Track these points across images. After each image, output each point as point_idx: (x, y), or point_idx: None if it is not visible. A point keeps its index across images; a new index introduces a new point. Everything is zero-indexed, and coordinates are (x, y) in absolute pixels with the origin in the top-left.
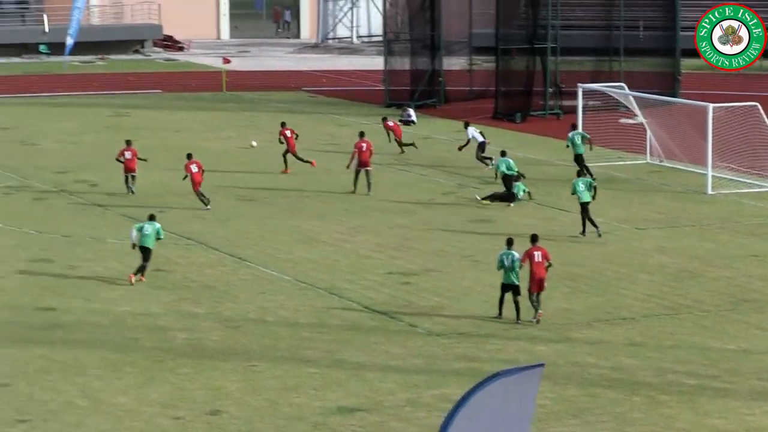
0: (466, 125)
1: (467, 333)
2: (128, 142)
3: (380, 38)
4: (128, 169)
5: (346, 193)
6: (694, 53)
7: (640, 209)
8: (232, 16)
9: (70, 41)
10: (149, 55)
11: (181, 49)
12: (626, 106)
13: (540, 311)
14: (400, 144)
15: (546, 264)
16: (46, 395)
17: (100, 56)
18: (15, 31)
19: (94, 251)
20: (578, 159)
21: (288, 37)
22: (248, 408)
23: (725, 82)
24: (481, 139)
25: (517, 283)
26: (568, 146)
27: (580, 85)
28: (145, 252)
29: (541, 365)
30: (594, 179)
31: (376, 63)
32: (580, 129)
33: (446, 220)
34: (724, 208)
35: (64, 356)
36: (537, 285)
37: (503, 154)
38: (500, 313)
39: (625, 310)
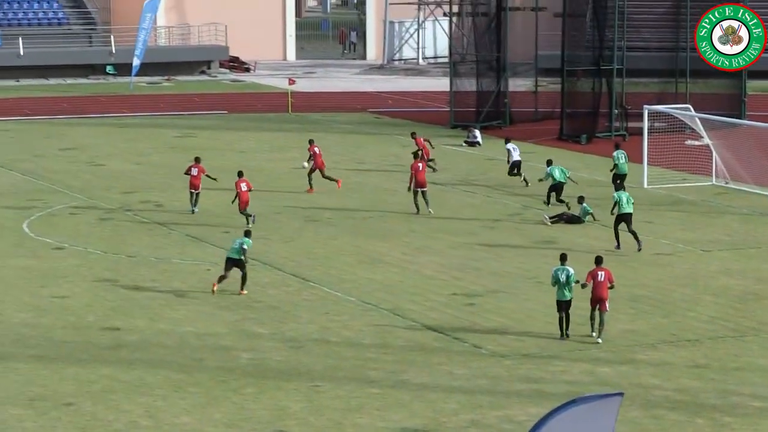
0: (507, 141)
1: (531, 354)
2: (197, 159)
3: (446, 59)
4: (192, 186)
5: (409, 213)
6: (760, 74)
7: (705, 231)
8: (299, 38)
9: (136, 62)
10: (215, 76)
11: (247, 70)
12: (692, 128)
13: (594, 333)
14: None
15: (609, 285)
16: (111, 414)
17: (166, 77)
18: (82, 52)
19: (159, 271)
20: (619, 177)
21: (354, 58)
22: (311, 428)
23: None
24: (516, 157)
25: (570, 298)
26: (614, 165)
27: (646, 106)
28: (228, 263)
29: (620, 394)
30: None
31: (442, 84)
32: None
33: (510, 241)
34: None
35: (129, 376)
36: (597, 303)
37: (549, 162)
38: (562, 334)
39: (690, 331)
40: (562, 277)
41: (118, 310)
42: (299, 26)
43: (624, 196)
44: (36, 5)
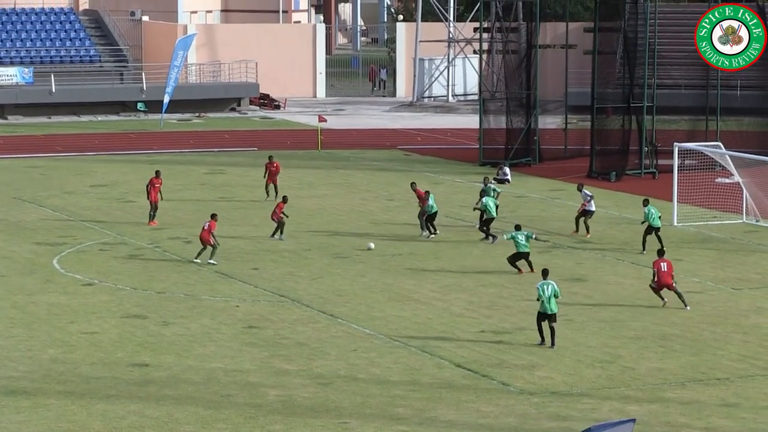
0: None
1: (559, 392)
2: (284, 198)
3: (476, 97)
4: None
5: (438, 251)
6: None
7: (736, 269)
8: (329, 75)
9: (167, 99)
10: (245, 113)
11: (277, 107)
12: (722, 166)
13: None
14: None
15: (672, 273)
16: None
17: (197, 114)
18: (114, 90)
19: (188, 308)
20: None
21: (384, 96)
22: None
23: None
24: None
25: (554, 311)
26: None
27: (676, 144)
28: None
29: (632, 420)
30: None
31: (472, 121)
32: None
33: (539, 279)
34: None
35: (157, 412)
36: (664, 287)
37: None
38: (543, 340)
39: (720, 370)
40: (548, 292)
41: (146, 346)
42: (329, 63)
43: (521, 235)
44: (68, 43)
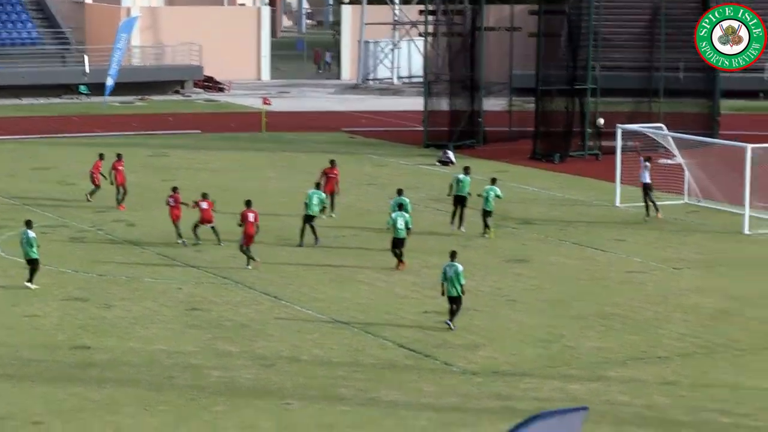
0: None
1: (502, 372)
2: (204, 195)
3: (420, 79)
4: (203, 220)
5: (382, 232)
6: (733, 94)
7: (677, 249)
8: (273, 57)
9: (110, 82)
10: (189, 96)
11: (221, 90)
12: (665, 147)
13: (258, 260)
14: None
15: (256, 225)
16: None
17: (140, 97)
18: (56, 72)
19: (129, 290)
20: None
21: (328, 78)
22: None
23: (764, 123)
24: None
25: (459, 294)
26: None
27: (619, 125)
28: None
29: (584, 408)
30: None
31: (417, 104)
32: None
33: (482, 260)
34: (761, 248)
35: (99, 395)
36: (249, 240)
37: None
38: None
39: (660, 349)
40: (450, 273)
41: (88, 329)
42: (274, 46)
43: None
44: (9, 25)
